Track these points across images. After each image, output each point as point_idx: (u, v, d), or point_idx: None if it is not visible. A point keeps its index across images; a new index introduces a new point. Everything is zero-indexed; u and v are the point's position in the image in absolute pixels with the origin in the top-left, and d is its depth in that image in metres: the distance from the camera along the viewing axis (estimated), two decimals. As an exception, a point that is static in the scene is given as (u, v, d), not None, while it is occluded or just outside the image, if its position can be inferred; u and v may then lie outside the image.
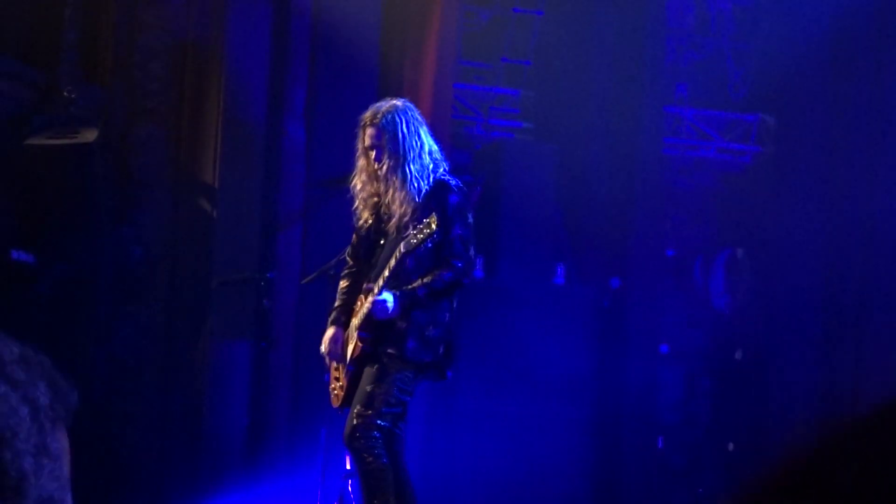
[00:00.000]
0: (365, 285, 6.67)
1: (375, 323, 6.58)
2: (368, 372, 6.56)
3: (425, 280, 6.46)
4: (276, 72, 9.30)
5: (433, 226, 6.25)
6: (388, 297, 6.47)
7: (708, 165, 11.29)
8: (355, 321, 6.67)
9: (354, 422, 6.47)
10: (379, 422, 6.45)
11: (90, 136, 8.80)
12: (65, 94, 8.94)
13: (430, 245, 6.37)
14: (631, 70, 10.26)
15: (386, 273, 6.49)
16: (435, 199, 6.50)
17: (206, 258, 9.22)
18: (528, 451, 9.49)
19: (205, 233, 9.24)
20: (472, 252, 6.57)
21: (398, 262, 6.44)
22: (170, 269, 9.29)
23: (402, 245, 6.36)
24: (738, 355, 10.73)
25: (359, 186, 6.66)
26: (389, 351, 6.52)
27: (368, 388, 6.50)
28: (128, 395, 9.09)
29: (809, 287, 10.19)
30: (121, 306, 9.19)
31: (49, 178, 8.83)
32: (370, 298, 6.56)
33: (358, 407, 6.48)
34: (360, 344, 6.65)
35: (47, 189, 8.88)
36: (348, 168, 7.54)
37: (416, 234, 6.27)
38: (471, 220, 6.62)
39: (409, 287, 6.48)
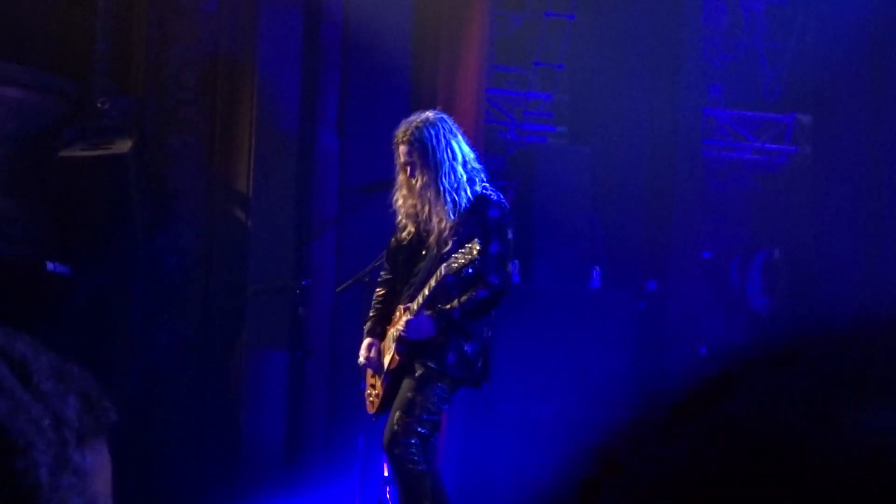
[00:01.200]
0: (404, 302, 6.65)
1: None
2: (409, 380, 6.55)
3: (462, 300, 6.45)
4: (307, 79, 9.31)
5: (475, 252, 6.22)
6: (422, 318, 6.49)
7: (743, 167, 11.23)
8: (393, 331, 6.67)
9: (395, 428, 6.48)
10: (419, 429, 6.46)
11: (124, 146, 8.83)
12: (98, 105, 8.95)
13: (471, 271, 6.33)
14: (667, 71, 10.20)
15: (426, 291, 6.47)
16: (475, 213, 6.46)
17: (241, 266, 9.23)
18: (568, 456, 9.35)
19: (239, 241, 9.25)
20: (509, 269, 6.56)
21: (439, 283, 6.42)
22: (205, 277, 9.30)
23: (443, 267, 6.33)
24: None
25: (400, 201, 6.63)
26: (430, 364, 6.52)
27: (409, 396, 6.50)
28: (164, 404, 9.10)
29: (849, 287, 10.08)
30: (156, 316, 9.22)
31: (83, 190, 8.88)
32: (406, 316, 6.56)
33: (398, 414, 6.48)
34: (397, 357, 6.65)
35: (82, 200, 8.93)
36: (381, 174, 7.62)
37: (458, 259, 6.25)
38: (511, 236, 6.56)
39: (445, 308, 6.48)
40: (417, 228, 6.63)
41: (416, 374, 6.52)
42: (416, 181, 6.49)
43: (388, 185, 7.34)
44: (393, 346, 6.62)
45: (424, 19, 9.61)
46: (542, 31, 10.64)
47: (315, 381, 9.12)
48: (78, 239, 8.94)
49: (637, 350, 9.78)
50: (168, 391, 9.13)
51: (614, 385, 9.57)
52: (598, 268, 9.94)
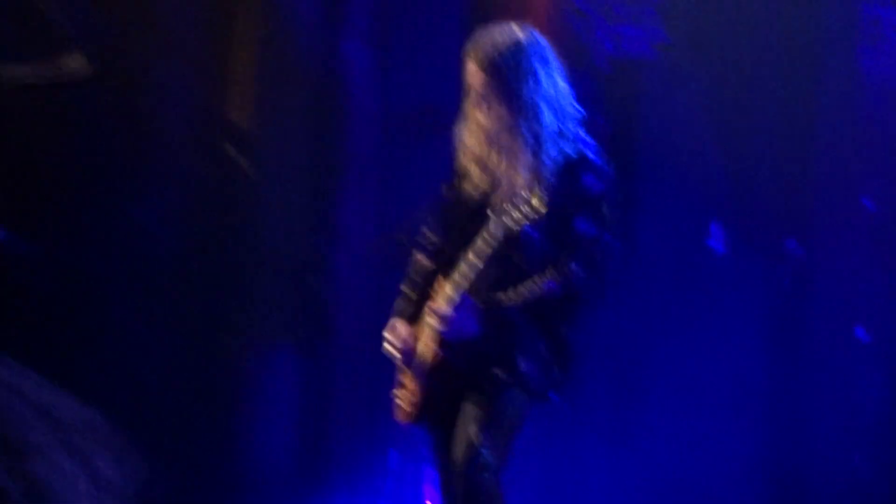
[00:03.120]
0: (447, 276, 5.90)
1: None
2: (474, 394, 5.87)
3: (523, 291, 5.75)
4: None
5: (536, 205, 5.56)
6: (465, 312, 5.74)
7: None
8: (430, 320, 5.86)
9: (473, 446, 5.82)
10: (494, 455, 5.85)
11: (81, 64, 7.88)
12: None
13: (530, 232, 5.66)
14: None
15: (472, 260, 5.68)
16: (568, 177, 5.80)
17: (245, 232, 8.40)
18: (678, 475, 8.66)
19: (242, 198, 8.40)
20: (600, 258, 5.80)
21: (496, 252, 5.65)
22: (200, 250, 8.45)
23: (491, 225, 5.65)
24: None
25: (465, 136, 5.96)
26: (497, 373, 5.83)
27: (483, 410, 5.86)
28: (146, 414, 8.21)
29: None
30: (139, 303, 8.38)
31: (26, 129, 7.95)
32: (444, 299, 5.79)
33: (473, 429, 5.82)
34: (438, 352, 5.92)
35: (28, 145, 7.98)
36: (428, 99, 7.48)
37: (511, 212, 5.58)
38: (610, 215, 5.84)
39: (500, 298, 5.76)
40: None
41: (482, 386, 5.89)
42: (488, 120, 5.81)
43: (437, 115, 7.12)
44: (431, 334, 5.91)
45: None
46: None
47: (333, 379, 8.45)
48: (32, 203, 8.07)
49: (773, 335, 9.00)
50: (153, 402, 8.26)
51: (742, 383, 8.94)
52: (719, 223, 9.13)
